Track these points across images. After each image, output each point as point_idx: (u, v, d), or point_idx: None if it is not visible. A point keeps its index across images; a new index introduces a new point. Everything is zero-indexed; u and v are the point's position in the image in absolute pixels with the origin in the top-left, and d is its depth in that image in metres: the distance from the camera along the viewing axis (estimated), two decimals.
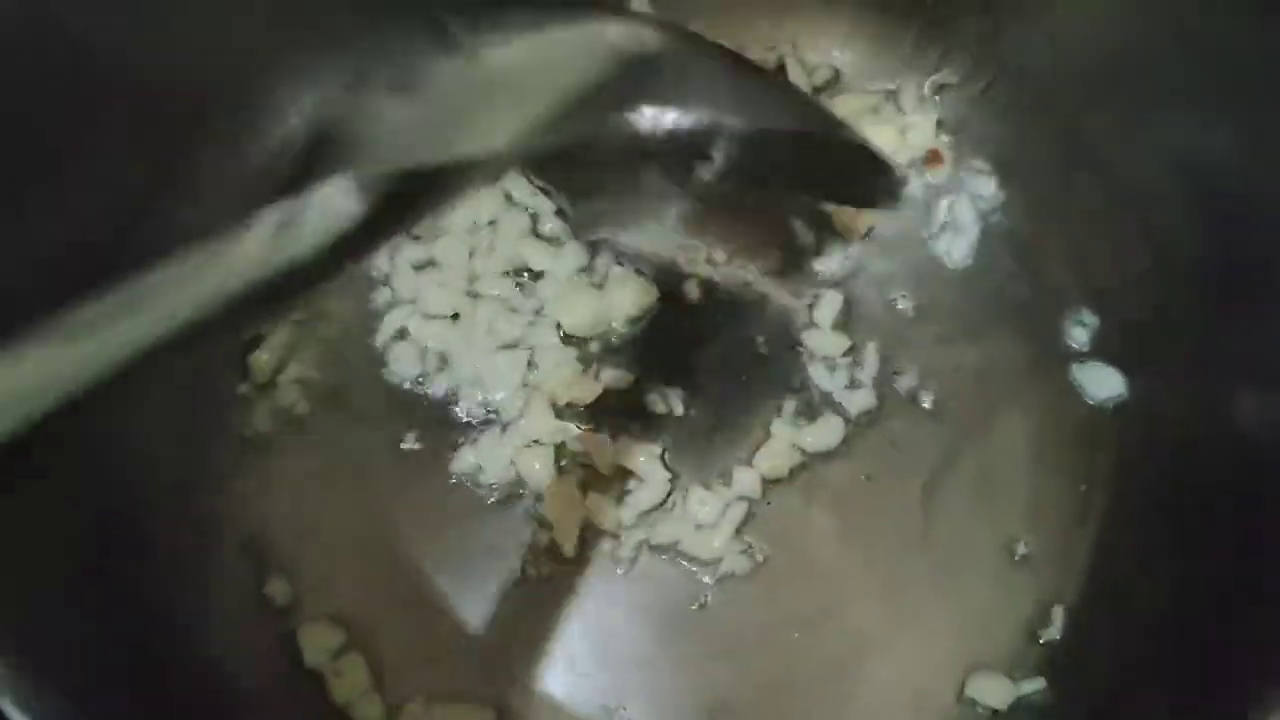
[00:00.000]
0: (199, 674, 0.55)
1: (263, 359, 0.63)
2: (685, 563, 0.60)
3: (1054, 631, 0.58)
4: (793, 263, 0.65)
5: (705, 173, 0.55)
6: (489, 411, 0.62)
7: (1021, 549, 0.59)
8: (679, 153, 0.51)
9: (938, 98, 0.69)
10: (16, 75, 0.50)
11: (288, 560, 0.60)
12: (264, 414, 0.63)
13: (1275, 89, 0.53)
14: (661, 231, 0.66)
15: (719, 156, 0.53)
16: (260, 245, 0.33)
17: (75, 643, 0.48)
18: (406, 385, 0.63)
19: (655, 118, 0.50)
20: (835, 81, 0.70)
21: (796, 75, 0.70)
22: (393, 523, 0.60)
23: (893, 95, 0.69)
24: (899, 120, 0.68)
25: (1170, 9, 0.57)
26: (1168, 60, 0.58)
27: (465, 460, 0.61)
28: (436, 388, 0.63)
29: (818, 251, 0.66)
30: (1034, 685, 0.56)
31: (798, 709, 0.57)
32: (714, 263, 0.65)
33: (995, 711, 0.56)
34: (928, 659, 0.58)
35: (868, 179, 0.57)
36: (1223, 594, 0.53)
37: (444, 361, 0.63)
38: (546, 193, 0.66)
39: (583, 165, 0.62)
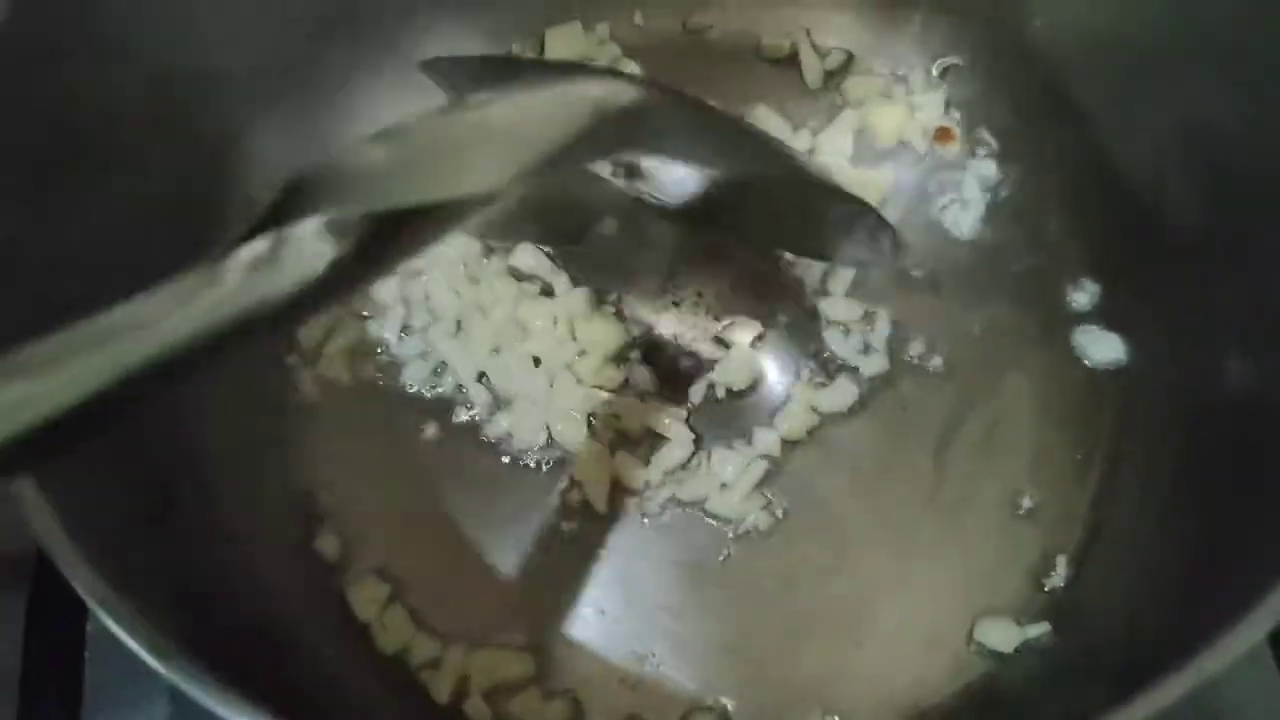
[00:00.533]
0: (256, 624, 0.59)
1: (310, 331, 0.67)
2: (709, 519, 0.63)
3: (1057, 579, 0.61)
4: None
5: (684, 219, 0.58)
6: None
7: (1026, 502, 0.63)
8: (658, 201, 0.53)
9: (946, 78, 0.72)
10: None
11: (336, 517, 0.64)
12: (310, 383, 0.67)
13: (1271, 56, 0.56)
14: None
15: (697, 204, 0.55)
16: (235, 282, 0.33)
17: (140, 590, 0.52)
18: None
19: (634, 166, 0.53)
20: (848, 64, 0.74)
21: (810, 59, 0.73)
22: (432, 483, 0.64)
23: (903, 78, 0.73)
24: (909, 100, 0.72)
25: None
26: (1165, 31, 0.62)
27: (499, 426, 0.65)
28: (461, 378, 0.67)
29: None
30: (1039, 629, 0.59)
31: (816, 652, 0.60)
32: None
33: (1002, 654, 0.59)
34: (938, 605, 0.61)
35: (861, 233, 0.61)
36: (1213, 544, 0.56)
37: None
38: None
39: (569, 216, 0.65)
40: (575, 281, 0.67)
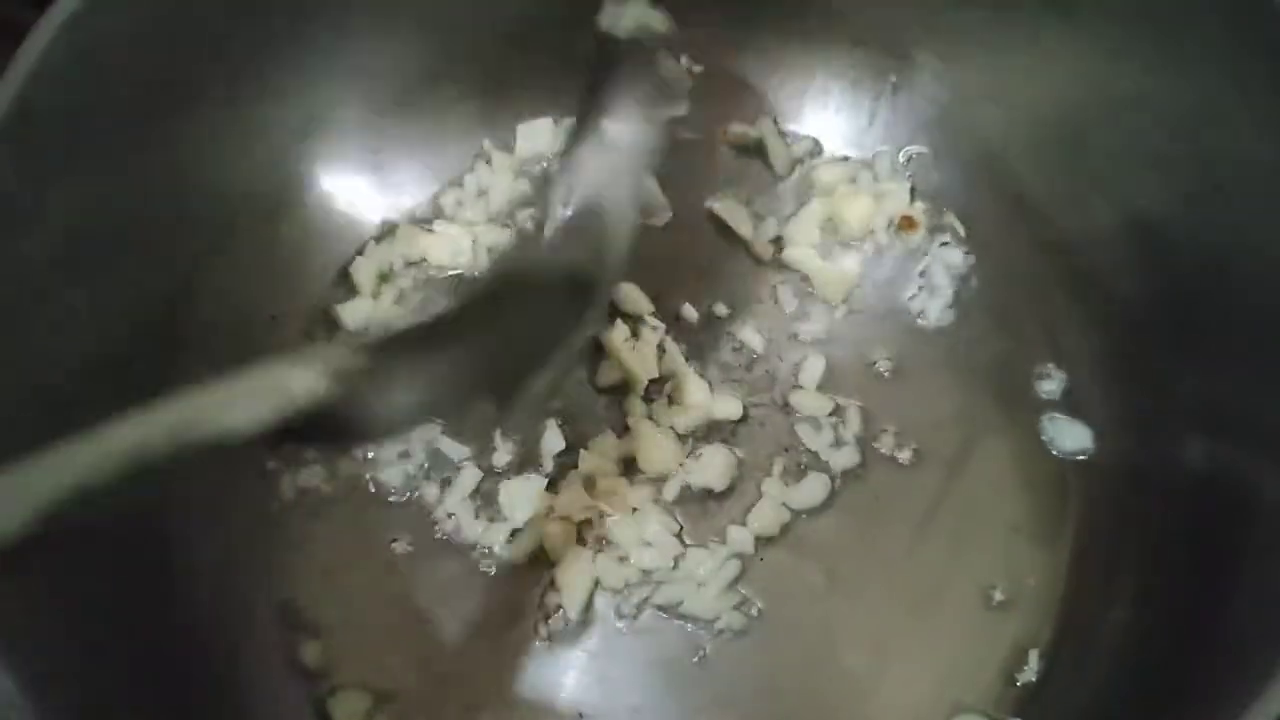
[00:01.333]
0: None
1: None
2: (684, 621, 0.64)
3: (1030, 674, 0.62)
4: None
5: None
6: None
7: (998, 595, 0.63)
8: None
9: (911, 166, 0.73)
10: None
11: (318, 626, 0.64)
12: (290, 487, 0.67)
13: (1216, 143, 0.58)
14: None
15: None
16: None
17: (114, 705, 0.53)
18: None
19: None
20: (816, 152, 0.75)
21: (777, 147, 0.74)
22: (410, 590, 0.65)
23: (869, 164, 0.74)
24: (875, 188, 0.73)
25: (1107, 79, 0.62)
26: (1114, 124, 0.63)
27: (474, 531, 0.66)
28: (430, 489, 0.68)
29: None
30: None
31: None
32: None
33: None
34: (914, 702, 0.62)
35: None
36: (1181, 633, 0.57)
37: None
38: None
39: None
40: None
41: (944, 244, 0.71)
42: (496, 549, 0.65)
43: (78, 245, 0.56)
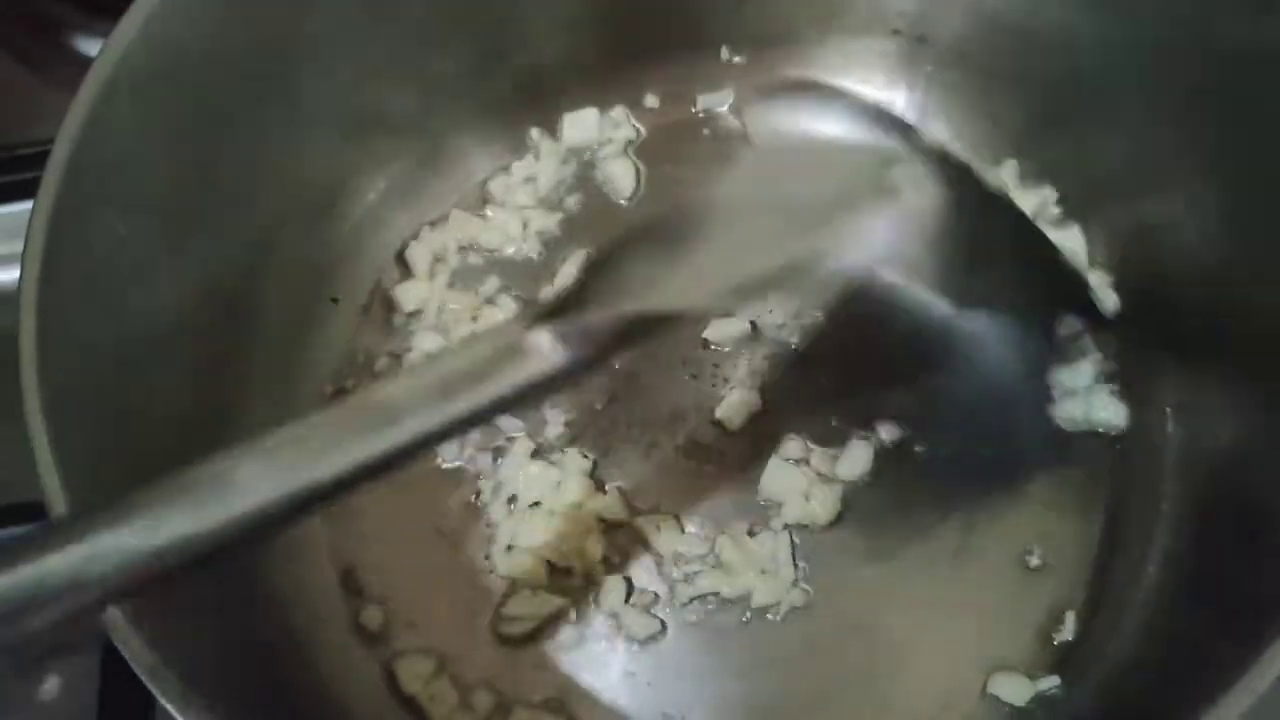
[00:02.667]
0: (309, 696, 0.63)
1: None
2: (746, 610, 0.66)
3: (1066, 633, 0.64)
4: None
5: None
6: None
7: (1034, 560, 0.66)
8: None
9: None
10: None
11: (379, 591, 0.67)
12: None
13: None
14: None
15: None
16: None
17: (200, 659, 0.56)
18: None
19: None
20: None
21: None
22: (468, 556, 0.68)
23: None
24: None
25: None
26: None
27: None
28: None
29: None
30: (1050, 682, 0.62)
31: (837, 710, 0.63)
32: None
33: (1014, 707, 0.62)
34: (953, 662, 0.64)
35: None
36: (1212, 595, 0.60)
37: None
38: None
39: None
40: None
41: None
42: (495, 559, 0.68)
43: (160, 222, 0.59)
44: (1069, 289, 0.68)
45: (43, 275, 0.52)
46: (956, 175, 0.64)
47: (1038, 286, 0.67)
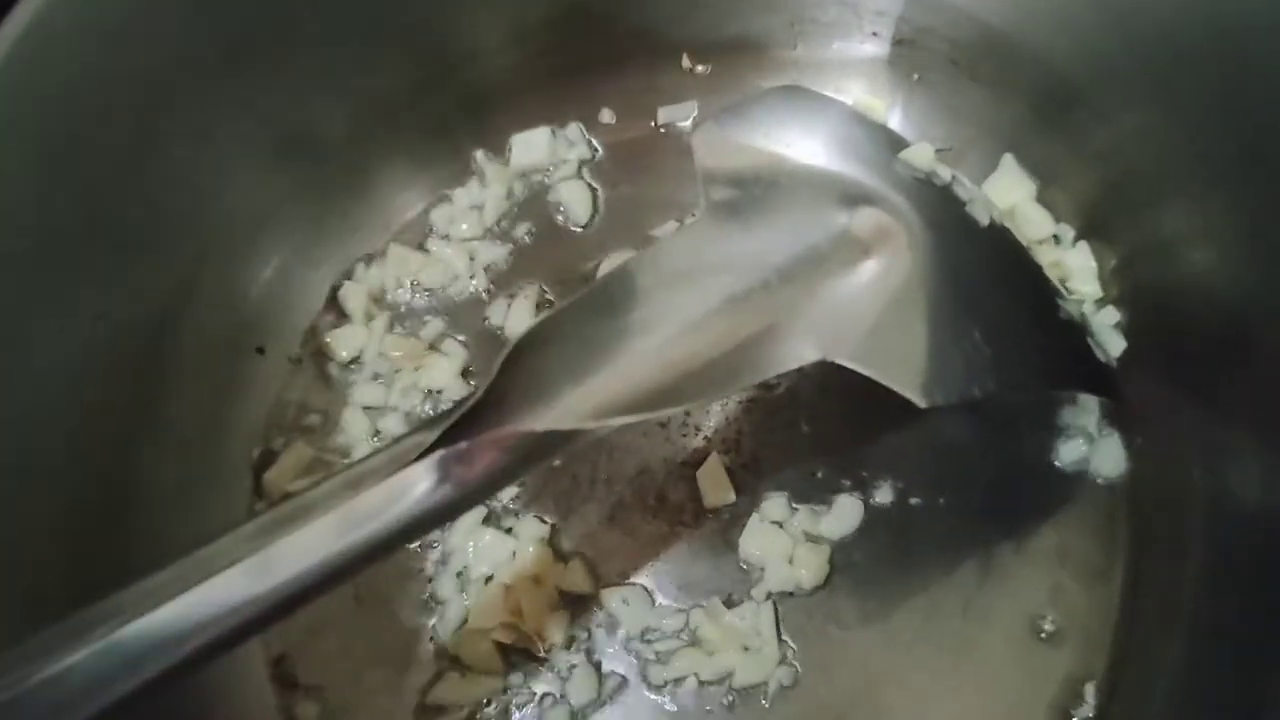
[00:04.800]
0: None
1: (277, 478, 0.63)
2: (730, 691, 0.59)
3: (1086, 709, 0.57)
4: None
5: None
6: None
7: (1048, 625, 0.59)
8: None
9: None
10: None
11: (314, 680, 0.60)
12: None
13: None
14: None
15: None
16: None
17: None
18: None
19: None
20: None
21: None
22: (414, 641, 0.60)
23: None
24: None
25: None
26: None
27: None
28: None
29: None
30: None
31: None
32: None
33: None
34: None
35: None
36: (1245, 664, 0.53)
37: None
38: None
39: None
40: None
41: None
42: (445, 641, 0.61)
43: (55, 268, 0.52)
44: (1079, 364, 0.61)
45: None
46: (938, 208, 0.58)
47: (1035, 363, 0.59)
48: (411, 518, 0.40)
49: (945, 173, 0.62)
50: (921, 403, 0.53)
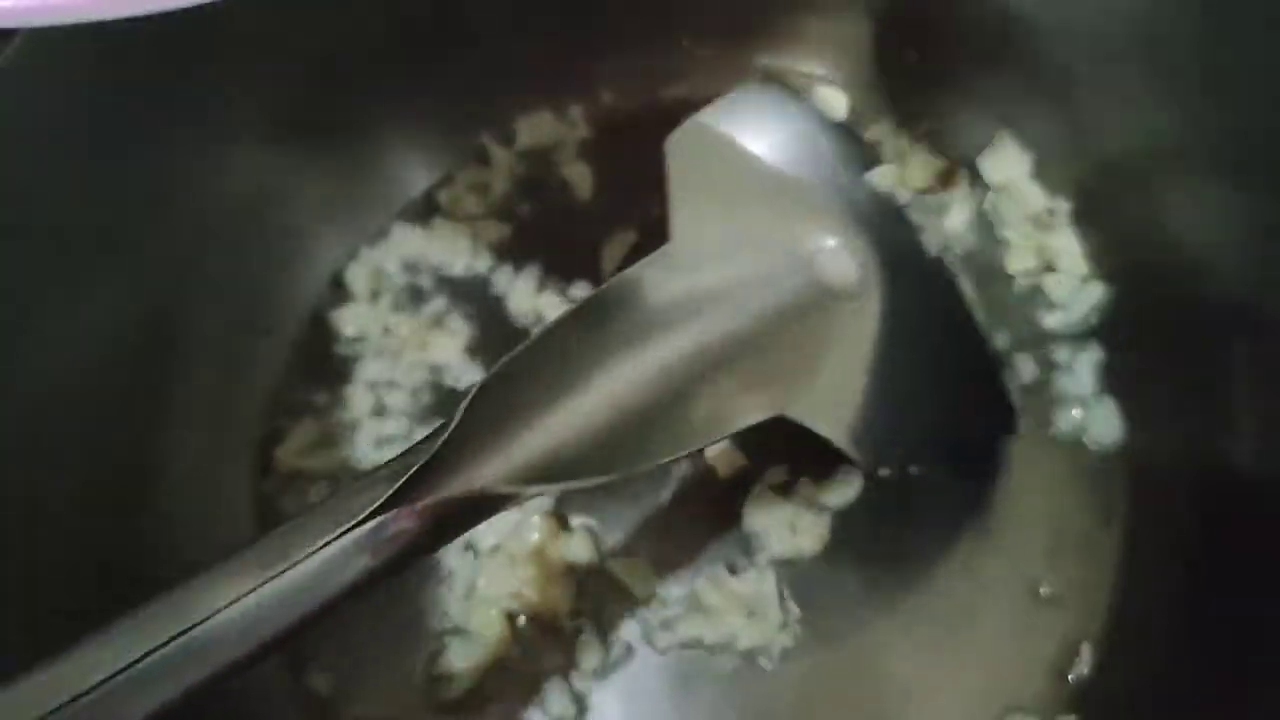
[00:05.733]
0: None
1: (285, 453, 0.64)
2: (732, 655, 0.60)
3: (1082, 668, 0.58)
4: None
5: None
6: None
7: (1046, 589, 0.60)
8: None
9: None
10: None
11: (326, 655, 0.61)
12: (290, 508, 0.64)
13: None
14: None
15: None
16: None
17: None
18: None
19: None
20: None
21: None
22: (424, 612, 0.61)
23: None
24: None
25: None
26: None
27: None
28: None
29: None
30: None
31: None
32: None
33: None
34: (963, 703, 0.58)
35: None
36: (1234, 625, 0.54)
37: None
38: None
39: None
40: None
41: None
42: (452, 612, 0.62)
43: (60, 254, 0.53)
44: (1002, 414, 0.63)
45: None
46: (894, 241, 0.60)
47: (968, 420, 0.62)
48: (349, 588, 0.39)
49: (904, 196, 0.64)
50: (867, 469, 0.58)
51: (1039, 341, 0.65)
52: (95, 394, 0.56)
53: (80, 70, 0.52)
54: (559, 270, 0.69)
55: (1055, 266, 0.66)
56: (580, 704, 0.59)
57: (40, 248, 0.53)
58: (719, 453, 0.63)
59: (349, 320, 0.68)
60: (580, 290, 0.68)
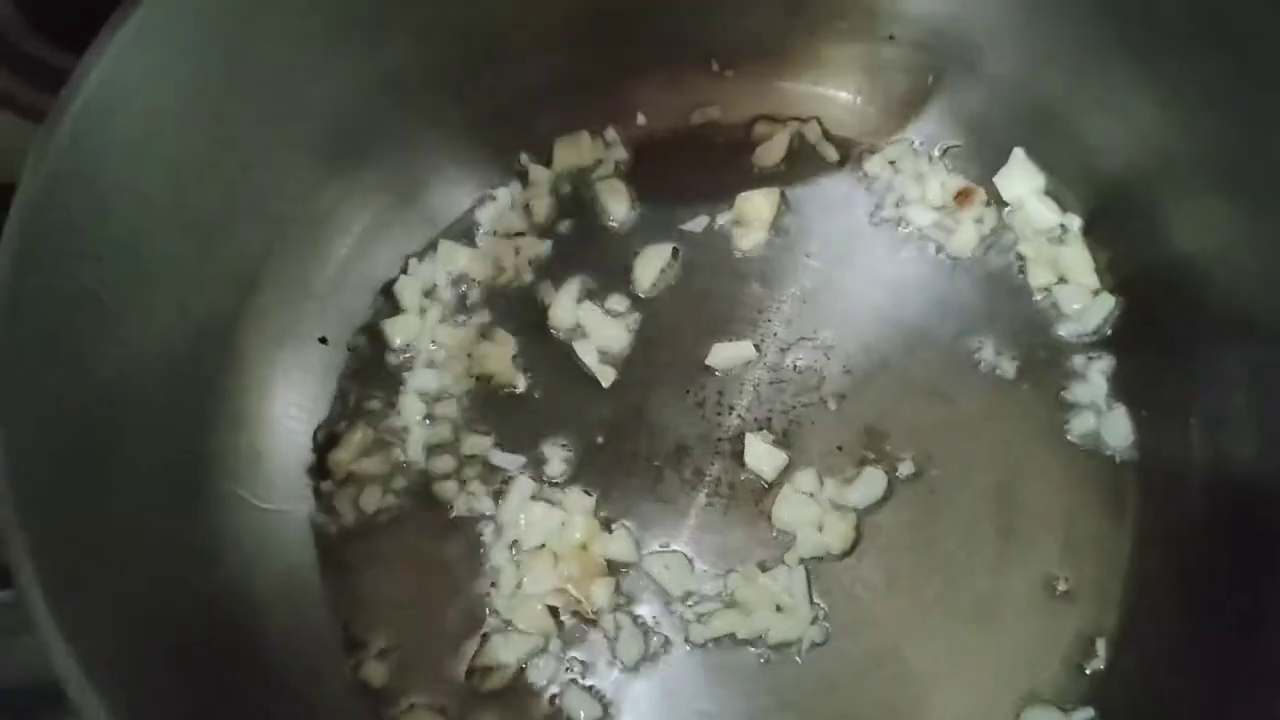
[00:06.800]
0: None
1: (339, 457, 0.68)
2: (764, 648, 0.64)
3: (1098, 662, 0.61)
4: None
5: None
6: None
7: (1062, 585, 0.63)
8: None
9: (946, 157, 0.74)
10: None
11: (381, 645, 0.64)
12: (348, 509, 0.67)
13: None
14: None
15: None
16: None
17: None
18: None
19: None
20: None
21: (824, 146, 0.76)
22: (473, 607, 0.65)
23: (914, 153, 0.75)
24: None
25: None
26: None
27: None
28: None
29: None
30: (1083, 715, 0.60)
31: None
32: None
33: None
34: (982, 694, 0.61)
35: None
36: (1249, 614, 0.57)
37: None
38: None
39: None
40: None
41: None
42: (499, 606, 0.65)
43: (133, 269, 0.57)
44: None
45: (8, 316, 0.49)
46: None
47: None
48: None
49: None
50: None
51: (1055, 351, 0.69)
52: (162, 391, 0.59)
53: (166, 102, 0.56)
54: (597, 282, 0.72)
55: (1068, 280, 0.70)
56: (619, 693, 0.63)
57: (133, 252, 0.56)
58: (753, 456, 0.66)
59: (399, 331, 0.71)
60: (616, 302, 0.72)
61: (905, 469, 0.66)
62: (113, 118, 0.53)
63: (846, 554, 0.65)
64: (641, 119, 0.76)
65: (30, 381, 0.50)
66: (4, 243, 0.49)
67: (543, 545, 0.65)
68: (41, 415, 0.50)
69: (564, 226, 0.74)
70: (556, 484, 0.67)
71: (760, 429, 0.68)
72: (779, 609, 0.63)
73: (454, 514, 0.67)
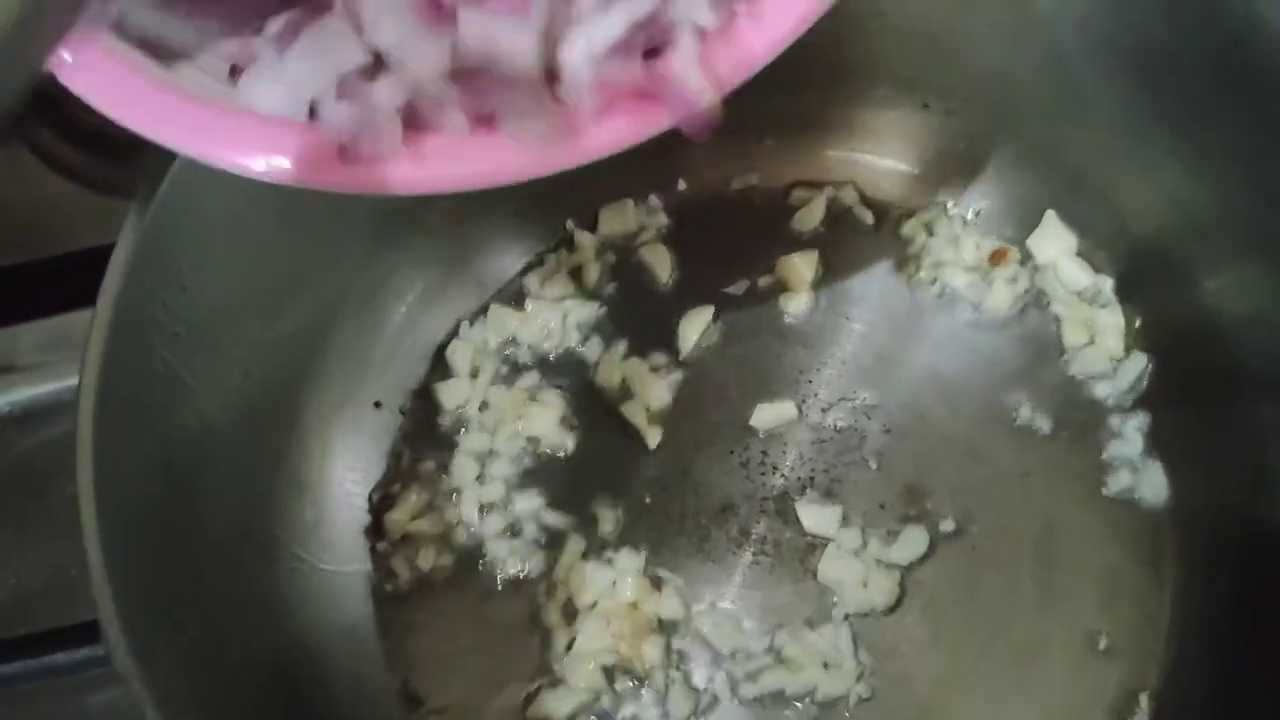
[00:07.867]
0: None
1: (396, 517, 0.71)
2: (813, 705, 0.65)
3: (1141, 716, 0.63)
4: None
5: None
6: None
7: (1104, 641, 0.64)
8: None
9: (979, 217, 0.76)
10: None
11: (438, 702, 0.66)
12: (404, 568, 0.70)
13: None
14: None
15: None
16: None
17: None
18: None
19: None
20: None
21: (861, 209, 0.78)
22: (528, 665, 0.67)
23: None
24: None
25: None
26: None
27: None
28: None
29: None
30: None
31: None
32: None
33: None
34: None
35: None
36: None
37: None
38: None
39: None
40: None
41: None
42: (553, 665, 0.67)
43: (207, 338, 0.60)
44: None
45: (100, 388, 0.52)
46: None
47: None
48: None
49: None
50: None
51: (1091, 408, 0.70)
52: (232, 461, 0.62)
53: (239, 186, 0.59)
54: (642, 343, 0.75)
55: (1102, 339, 0.72)
56: None
57: (204, 321, 0.59)
58: (810, 519, 0.69)
59: (452, 394, 0.74)
60: (659, 359, 0.74)
61: (946, 526, 0.68)
62: (193, 202, 0.56)
63: (891, 610, 0.66)
64: (682, 184, 0.79)
65: (119, 454, 0.52)
66: (95, 322, 0.52)
67: (595, 604, 0.67)
68: (129, 487, 0.53)
69: (609, 290, 0.77)
70: (608, 543, 0.69)
71: (804, 488, 0.69)
72: (826, 665, 0.65)
73: (507, 573, 0.69)
